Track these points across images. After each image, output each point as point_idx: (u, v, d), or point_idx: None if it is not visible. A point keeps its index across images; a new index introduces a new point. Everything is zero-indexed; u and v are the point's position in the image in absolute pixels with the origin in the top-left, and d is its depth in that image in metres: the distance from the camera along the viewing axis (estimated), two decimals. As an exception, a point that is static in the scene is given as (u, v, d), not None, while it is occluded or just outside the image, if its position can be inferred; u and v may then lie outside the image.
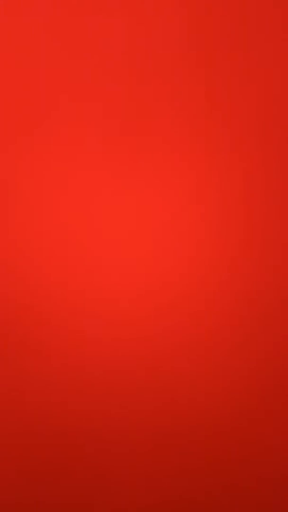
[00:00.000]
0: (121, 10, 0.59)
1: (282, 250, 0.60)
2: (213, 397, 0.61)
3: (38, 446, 0.62)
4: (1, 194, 0.60)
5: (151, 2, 0.59)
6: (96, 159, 0.60)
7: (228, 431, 0.61)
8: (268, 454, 0.61)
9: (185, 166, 0.59)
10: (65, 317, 0.60)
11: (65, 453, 0.62)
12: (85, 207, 0.60)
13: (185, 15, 0.59)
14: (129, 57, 0.59)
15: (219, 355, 0.60)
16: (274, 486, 0.61)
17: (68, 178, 0.60)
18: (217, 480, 0.61)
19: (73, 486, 0.62)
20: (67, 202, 0.60)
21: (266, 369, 0.60)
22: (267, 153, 0.60)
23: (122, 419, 0.61)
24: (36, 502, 0.62)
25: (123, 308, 0.60)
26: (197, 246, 0.60)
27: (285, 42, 0.59)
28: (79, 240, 0.60)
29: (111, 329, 0.60)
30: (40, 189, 0.60)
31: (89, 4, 0.59)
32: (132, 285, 0.60)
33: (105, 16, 0.59)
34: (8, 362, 0.61)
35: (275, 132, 0.59)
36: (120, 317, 0.60)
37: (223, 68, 0.59)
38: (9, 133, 0.60)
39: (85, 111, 0.59)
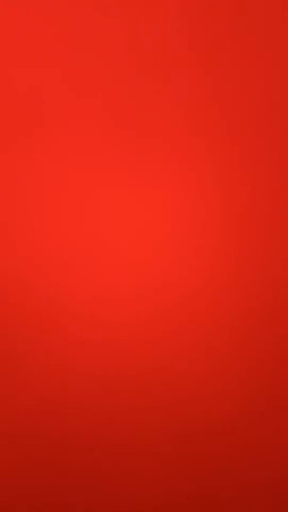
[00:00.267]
0: (121, 11, 0.59)
1: (283, 250, 0.60)
2: (213, 398, 0.61)
3: (38, 447, 0.62)
4: (1, 194, 0.60)
5: (151, 2, 0.59)
6: (96, 159, 0.60)
7: (230, 432, 0.61)
8: (269, 454, 0.61)
9: (186, 166, 0.59)
10: (65, 318, 0.60)
11: (65, 454, 0.62)
12: (85, 207, 0.60)
13: (185, 14, 0.58)
14: (129, 55, 0.59)
15: (220, 356, 0.60)
16: (274, 486, 0.61)
17: (68, 178, 0.60)
18: (217, 480, 0.61)
19: (73, 487, 0.62)
20: (67, 202, 0.60)
21: (267, 370, 0.60)
22: (269, 152, 0.59)
23: (122, 420, 0.61)
24: (36, 502, 0.62)
25: (123, 309, 0.60)
26: (198, 246, 0.60)
27: (285, 41, 0.59)
28: (79, 240, 0.60)
29: (111, 330, 0.60)
30: (40, 189, 0.60)
31: (90, 3, 0.59)
32: (132, 285, 0.60)
33: (105, 16, 0.59)
34: (8, 363, 0.61)
35: (276, 131, 0.59)
36: (121, 318, 0.60)
37: (224, 66, 0.59)
38: (9, 133, 0.60)
39: (85, 110, 0.59)
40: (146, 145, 0.59)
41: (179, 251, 0.60)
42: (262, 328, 0.60)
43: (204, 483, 0.61)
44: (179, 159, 0.59)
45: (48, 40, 0.59)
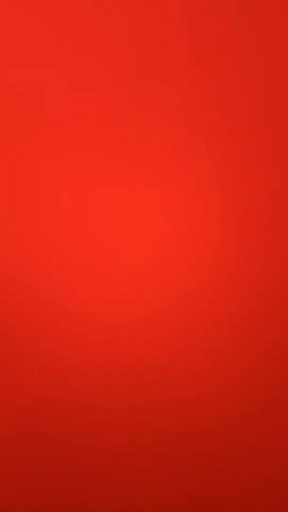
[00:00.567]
0: (121, 11, 0.59)
1: (283, 250, 0.60)
2: (214, 398, 0.61)
3: (38, 447, 0.62)
4: (1, 194, 0.60)
5: (151, 2, 0.59)
6: (96, 159, 0.60)
7: (230, 432, 0.61)
8: (269, 454, 0.61)
9: (186, 165, 0.59)
10: (65, 318, 0.60)
11: (65, 454, 0.62)
12: (85, 207, 0.60)
13: (185, 14, 0.58)
14: (129, 55, 0.59)
15: (220, 356, 0.60)
16: (274, 486, 0.61)
17: (68, 178, 0.60)
18: (217, 480, 0.61)
19: (73, 487, 0.62)
20: (67, 202, 0.60)
21: (267, 370, 0.60)
22: (269, 152, 0.59)
23: (122, 420, 0.61)
24: (36, 502, 0.62)
25: (123, 309, 0.60)
26: (198, 246, 0.60)
27: (285, 41, 0.59)
28: (79, 240, 0.60)
29: (111, 330, 0.60)
30: (40, 189, 0.60)
31: (90, 3, 0.59)
32: (132, 285, 0.60)
33: (105, 16, 0.59)
34: (8, 363, 0.61)
35: (276, 131, 0.59)
36: (120, 318, 0.60)
37: (224, 66, 0.59)
38: (9, 133, 0.60)
39: (85, 110, 0.59)
40: (146, 145, 0.59)
41: (179, 251, 0.60)
42: (263, 328, 0.60)
43: (204, 483, 0.61)
44: (179, 159, 0.59)
45: (48, 40, 0.59)
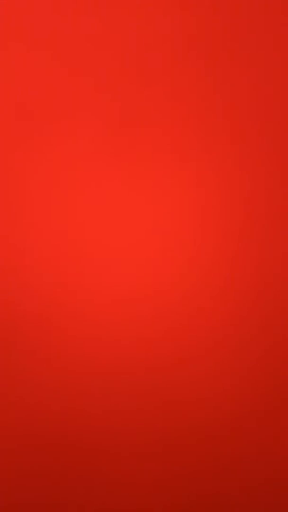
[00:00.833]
0: (120, 8, 0.59)
1: (283, 249, 0.60)
2: (214, 398, 0.61)
3: (38, 447, 0.62)
4: (1, 194, 0.60)
5: (151, 5, 0.59)
6: (96, 159, 0.60)
7: (230, 432, 0.61)
8: (270, 454, 0.61)
9: (186, 166, 0.59)
10: (65, 318, 0.60)
11: (64, 454, 0.62)
12: (85, 208, 0.60)
13: (186, 14, 0.58)
14: (128, 54, 0.59)
15: (220, 356, 0.60)
16: (274, 486, 0.61)
17: (68, 178, 0.60)
18: (217, 480, 0.61)
19: (73, 487, 0.62)
20: (67, 202, 0.60)
21: (267, 370, 0.60)
22: (269, 148, 0.59)
23: (123, 421, 0.61)
24: (36, 502, 0.62)
25: (123, 309, 0.60)
26: (198, 245, 0.60)
27: (285, 41, 0.59)
28: (79, 240, 0.60)
29: (111, 330, 0.60)
30: (39, 189, 0.60)
31: (90, 5, 0.59)
32: (132, 285, 0.60)
33: (104, 14, 0.59)
34: (9, 363, 0.61)
35: (276, 129, 0.59)
36: (120, 319, 0.60)
37: (224, 66, 0.59)
38: (9, 133, 0.60)
39: (85, 110, 0.59)
40: (146, 145, 0.59)
41: (179, 251, 0.60)
42: (263, 328, 0.60)
43: (204, 483, 0.61)
44: (179, 159, 0.59)
45: (48, 43, 0.59)
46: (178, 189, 0.60)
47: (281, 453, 0.61)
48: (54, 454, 0.62)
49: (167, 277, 0.60)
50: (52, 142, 0.60)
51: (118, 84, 0.59)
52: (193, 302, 0.60)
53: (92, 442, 0.61)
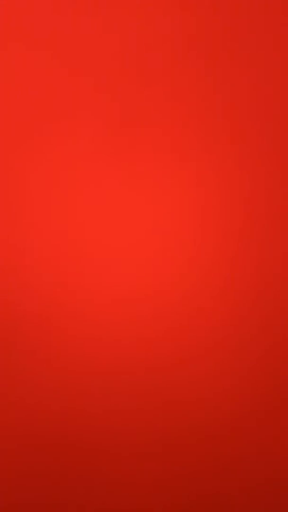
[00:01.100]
0: (120, 8, 0.59)
1: (283, 249, 0.60)
2: (214, 398, 0.61)
3: (38, 448, 0.62)
4: (1, 194, 0.60)
5: (151, 6, 0.59)
6: (96, 159, 0.60)
7: (230, 432, 0.61)
8: (270, 454, 0.61)
9: (186, 165, 0.59)
10: (65, 318, 0.60)
11: (65, 455, 0.62)
12: (85, 207, 0.60)
13: (186, 15, 0.58)
14: (128, 54, 0.59)
15: (220, 357, 0.60)
16: (274, 486, 0.61)
17: (68, 178, 0.60)
18: (218, 481, 0.61)
19: (73, 488, 0.62)
20: (67, 201, 0.60)
21: (267, 370, 0.60)
22: (269, 148, 0.59)
23: (123, 421, 0.61)
24: (36, 502, 0.62)
25: (123, 309, 0.60)
26: (198, 245, 0.60)
27: (285, 41, 0.59)
28: (79, 240, 0.60)
29: (111, 330, 0.60)
30: (40, 189, 0.60)
31: (89, 5, 0.59)
32: (132, 286, 0.60)
33: (104, 14, 0.59)
34: (9, 364, 0.61)
35: (276, 129, 0.59)
36: (120, 318, 0.60)
37: (223, 66, 0.59)
38: (9, 133, 0.60)
39: (85, 110, 0.59)
40: (146, 145, 0.59)
41: (179, 251, 0.60)
42: (263, 328, 0.60)
43: (204, 483, 0.62)
44: (179, 159, 0.59)
45: (48, 43, 0.59)
46: (178, 189, 0.60)
47: (281, 453, 0.61)
48: (54, 454, 0.62)
49: (167, 277, 0.60)
50: (52, 142, 0.60)
51: (118, 84, 0.59)
52: (193, 302, 0.60)
53: (92, 442, 0.61)
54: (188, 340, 0.60)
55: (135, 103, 0.59)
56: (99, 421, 0.61)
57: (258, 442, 0.61)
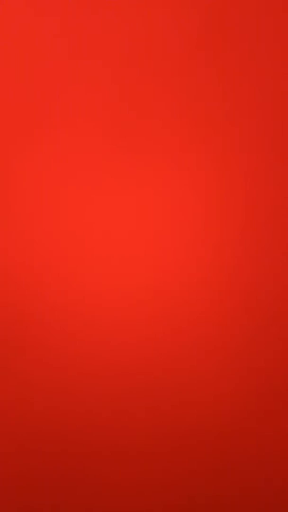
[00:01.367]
0: (122, 8, 0.59)
1: (283, 250, 0.60)
2: (214, 398, 0.61)
3: (38, 448, 0.62)
4: (1, 196, 0.60)
5: (153, 7, 0.59)
6: (96, 159, 0.60)
7: (229, 432, 0.61)
8: (270, 455, 0.61)
9: (186, 166, 0.59)
10: (65, 318, 0.60)
11: (64, 454, 0.62)
12: (85, 208, 0.60)
13: (187, 16, 0.58)
14: (129, 56, 0.59)
15: (221, 357, 0.60)
16: (274, 487, 0.61)
17: (68, 178, 0.60)
18: (218, 481, 0.61)
19: (73, 488, 0.62)
20: (67, 202, 0.60)
21: (267, 370, 0.60)
22: (269, 151, 0.59)
23: (123, 421, 0.61)
24: (36, 502, 0.62)
25: (123, 310, 0.60)
26: (198, 247, 0.60)
27: (285, 41, 0.59)
28: (79, 240, 0.60)
29: (111, 333, 0.60)
30: (39, 190, 0.60)
31: (91, 5, 0.59)
32: (132, 285, 0.60)
33: (105, 14, 0.59)
34: (9, 365, 0.61)
35: (276, 130, 0.59)
36: (121, 319, 0.60)
37: (223, 67, 0.59)
38: (9, 134, 0.60)
39: (85, 110, 0.59)
40: (146, 144, 0.59)
41: (179, 252, 0.60)
42: (263, 329, 0.60)
43: (204, 483, 0.61)
44: (179, 159, 0.59)
45: (49, 38, 0.59)
46: (178, 190, 0.60)
47: (281, 453, 0.61)
48: (54, 454, 0.62)
49: (167, 278, 0.60)
50: (52, 142, 0.60)
51: (119, 84, 0.59)
52: (194, 302, 0.60)
53: (92, 443, 0.61)
54: (188, 340, 0.60)
55: (135, 102, 0.59)
56: (99, 421, 0.61)
57: (258, 442, 0.61)
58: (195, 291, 0.60)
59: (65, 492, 0.62)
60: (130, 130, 0.59)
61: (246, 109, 0.59)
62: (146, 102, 0.59)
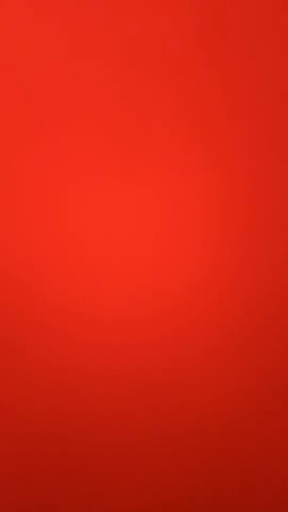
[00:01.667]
0: (122, 9, 0.59)
1: (283, 250, 0.60)
2: (214, 399, 0.61)
3: (38, 448, 0.62)
4: (1, 195, 0.60)
5: (152, 8, 0.59)
6: (96, 160, 0.60)
7: (229, 432, 0.61)
8: (270, 455, 0.61)
9: (186, 166, 0.59)
10: (65, 318, 0.60)
11: (64, 454, 0.62)
12: (85, 208, 0.60)
13: (187, 17, 0.58)
14: (129, 56, 0.59)
15: (221, 357, 0.60)
16: (274, 487, 0.61)
17: (68, 179, 0.60)
18: (218, 481, 0.61)
19: (72, 488, 0.62)
20: (66, 202, 0.60)
21: (267, 370, 0.60)
22: (269, 151, 0.59)
23: (123, 421, 0.61)
24: (36, 502, 0.62)
25: (123, 311, 0.60)
26: (198, 247, 0.60)
27: (285, 41, 0.59)
28: (79, 239, 0.60)
29: (111, 333, 0.60)
30: (39, 190, 0.60)
31: (92, 6, 0.59)
32: (132, 285, 0.60)
33: (105, 15, 0.59)
34: (9, 367, 0.61)
35: (276, 130, 0.59)
36: (120, 319, 0.60)
37: (223, 67, 0.59)
38: (9, 135, 0.60)
39: (85, 111, 0.59)
40: (145, 144, 0.59)
41: (179, 252, 0.60)
42: (263, 329, 0.60)
43: (204, 483, 0.62)
44: (179, 160, 0.59)
45: (49, 39, 0.59)
46: (178, 190, 0.60)
47: (281, 453, 0.61)
48: (54, 454, 0.62)
49: (167, 278, 0.60)
50: (53, 143, 0.60)
51: (119, 84, 0.59)
52: (194, 302, 0.60)
53: (92, 443, 0.61)
54: (188, 340, 0.60)
55: (135, 102, 0.59)
56: (99, 421, 0.61)
57: (258, 442, 0.61)
58: (195, 291, 0.60)
59: (65, 492, 0.62)
60: (130, 130, 0.59)
61: (246, 109, 0.59)
62: (146, 102, 0.59)
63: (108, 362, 0.61)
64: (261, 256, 0.60)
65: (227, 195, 0.60)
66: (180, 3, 0.58)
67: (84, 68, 0.59)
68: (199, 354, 0.60)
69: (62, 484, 0.62)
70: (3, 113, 0.59)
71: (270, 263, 0.60)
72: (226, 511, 0.62)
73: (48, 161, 0.60)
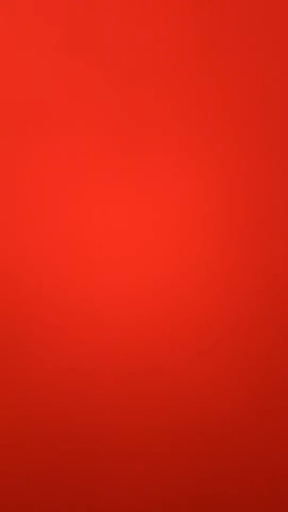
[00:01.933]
0: (122, 15, 0.59)
1: (283, 250, 0.60)
2: (214, 399, 0.61)
3: (39, 448, 0.62)
4: (1, 196, 0.60)
5: (151, 9, 0.59)
6: (96, 162, 0.60)
7: (229, 432, 0.61)
8: (270, 455, 0.61)
9: (186, 168, 0.59)
10: (66, 319, 0.60)
11: (64, 454, 0.62)
12: (85, 210, 0.60)
13: (188, 18, 0.58)
14: (129, 59, 0.59)
15: (220, 357, 0.60)
16: (274, 487, 0.61)
17: (68, 179, 0.60)
18: (218, 481, 0.62)
19: (72, 488, 0.62)
20: (67, 204, 0.60)
21: (267, 370, 0.60)
22: (267, 156, 0.59)
23: (123, 421, 0.61)
24: (35, 502, 0.62)
25: (123, 309, 0.60)
26: (198, 248, 0.60)
27: (285, 40, 0.59)
28: (79, 240, 0.60)
29: (111, 333, 0.60)
30: (39, 191, 0.60)
31: (91, 8, 0.59)
32: (132, 287, 0.60)
33: (106, 21, 0.59)
34: (9, 365, 0.61)
35: (275, 134, 0.59)
36: (120, 319, 0.60)
37: (223, 67, 0.59)
38: (10, 136, 0.60)
39: (85, 114, 0.59)
40: (145, 146, 0.59)
41: (180, 251, 0.60)
42: (263, 328, 0.60)
43: (204, 483, 0.62)
44: (179, 161, 0.59)
45: (50, 44, 0.59)
46: (178, 191, 0.60)
47: (281, 453, 0.61)
48: (54, 454, 0.62)
49: (167, 278, 0.60)
50: (53, 143, 0.60)
51: (119, 84, 0.59)
52: (193, 302, 0.60)
53: (92, 443, 0.61)
54: (188, 340, 0.60)
55: (135, 105, 0.59)
56: (99, 421, 0.61)
57: (258, 442, 0.61)
58: (195, 291, 0.60)
59: (65, 492, 0.62)
60: (130, 133, 0.59)
61: (245, 115, 0.59)
62: (146, 105, 0.59)
63: (108, 361, 0.61)
64: (260, 257, 0.60)
65: (226, 198, 0.60)
66: (179, 10, 0.58)
67: (85, 72, 0.59)
68: (199, 354, 0.60)
69: (62, 484, 0.62)
70: (4, 116, 0.59)
71: (269, 263, 0.60)
72: (226, 510, 0.62)
73: (48, 163, 0.60)
